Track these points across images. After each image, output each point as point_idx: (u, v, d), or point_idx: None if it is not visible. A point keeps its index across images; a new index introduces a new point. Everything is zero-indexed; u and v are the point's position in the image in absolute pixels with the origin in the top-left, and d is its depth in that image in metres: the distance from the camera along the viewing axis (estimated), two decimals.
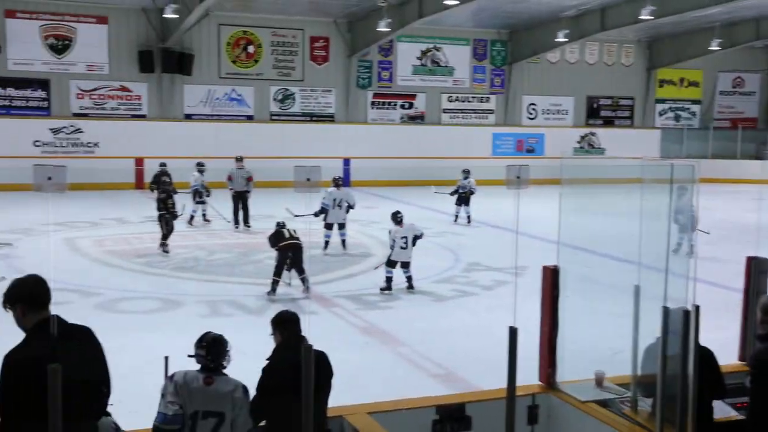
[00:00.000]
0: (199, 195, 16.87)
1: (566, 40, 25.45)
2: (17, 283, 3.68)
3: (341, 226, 14.37)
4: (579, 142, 29.46)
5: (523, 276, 11.12)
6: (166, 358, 4.47)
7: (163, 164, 17.66)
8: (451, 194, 18.21)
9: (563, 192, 5.91)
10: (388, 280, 11.20)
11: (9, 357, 3.53)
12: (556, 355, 5.64)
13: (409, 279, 11.35)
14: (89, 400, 3.70)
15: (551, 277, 5.62)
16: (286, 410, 4.34)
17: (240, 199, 16.37)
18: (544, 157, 27.31)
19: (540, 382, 5.68)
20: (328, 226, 14.23)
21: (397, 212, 11.50)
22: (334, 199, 14.14)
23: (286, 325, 4.62)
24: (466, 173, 18.12)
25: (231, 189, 16.44)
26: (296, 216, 13.89)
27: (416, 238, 11.34)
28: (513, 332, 4.00)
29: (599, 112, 29.97)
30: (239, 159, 16.75)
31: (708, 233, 14.55)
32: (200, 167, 17.06)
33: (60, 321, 3.63)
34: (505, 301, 10.13)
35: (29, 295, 3.63)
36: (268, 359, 4.55)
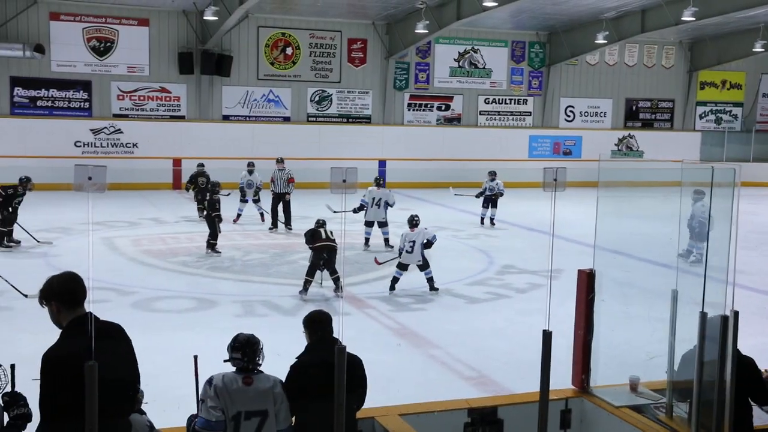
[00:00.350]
0: (243, 194, 17.14)
1: (606, 41, 25.20)
2: (52, 279, 3.71)
3: (382, 225, 14.66)
4: (617, 145, 29.16)
5: (558, 279, 11.01)
6: (195, 357, 4.49)
7: (200, 165, 17.85)
8: (477, 196, 18.12)
9: (600, 195, 5.85)
10: (394, 280, 11.24)
11: (47, 356, 3.56)
12: (590, 359, 5.59)
13: (430, 281, 11.33)
14: (122, 398, 3.74)
15: (587, 281, 5.56)
16: (313, 410, 4.34)
17: (280, 201, 16.46)
18: (582, 160, 27.10)
19: (573, 387, 5.63)
20: (368, 224, 14.69)
21: (413, 216, 11.52)
22: (374, 198, 14.54)
23: (316, 326, 4.62)
24: (493, 175, 18.01)
25: (272, 191, 16.55)
26: (335, 212, 14.10)
27: (428, 242, 11.30)
28: (547, 336, 3.97)
29: (638, 115, 29.63)
30: (280, 161, 16.92)
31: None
32: (250, 167, 17.46)
33: (93, 318, 3.68)
34: (539, 305, 10.11)
35: (64, 292, 3.66)
36: (297, 358, 4.56)
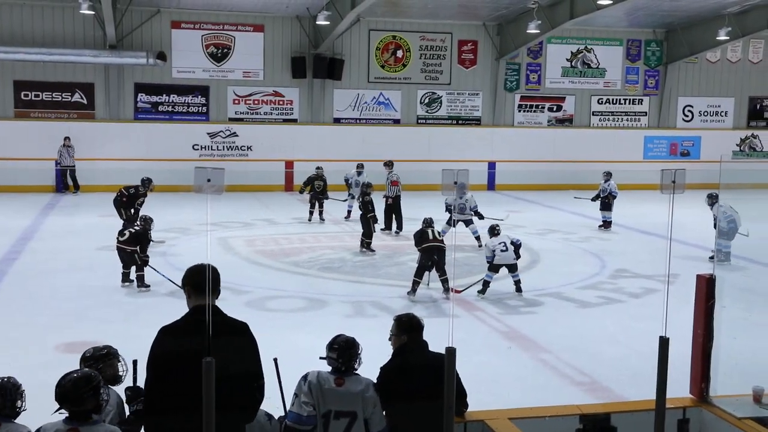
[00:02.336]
0: (348, 188, 17.39)
1: (728, 38, 24.14)
2: (190, 268, 4.01)
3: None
4: (739, 145, 27.90)
5: (675, 284, 10.66)
6: (275, 359, 4.56)
7: (318, 168, 18.23)
8: (593, 200, 17.69)
9: (722, 197, 5.63)
10: (486, 283, 11.11)
11: (161, 336, 3.89)
12: (709, 367, 5.36)
13: (517, 283, 11.20)
14: (236, 395, 3.82)
15: (706, 286, 5.34)
16: (406, 413, 4.36)
17: (391, 203, 16.50)
18: (700, 161, 26.08)
19: (691, 395, 5.42)
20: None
21: (495, 226, 11.68)
22: None
23: (413, 331, 4.63)
24: (608, 176, 17.54)
25: (385, 196, 16.58)
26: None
27: (515, 244, 11.18)
28: (664, 342, 3.83)
29: (762, 114, 28.25)
30: (387, 164, 17.07)
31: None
32: (359, 168, 17.94)
33: (217, 311, 3.84)
34: (654, 311, 9.80)
35: (193, 280, 3.93)
36: (389, 361, 4.57)
